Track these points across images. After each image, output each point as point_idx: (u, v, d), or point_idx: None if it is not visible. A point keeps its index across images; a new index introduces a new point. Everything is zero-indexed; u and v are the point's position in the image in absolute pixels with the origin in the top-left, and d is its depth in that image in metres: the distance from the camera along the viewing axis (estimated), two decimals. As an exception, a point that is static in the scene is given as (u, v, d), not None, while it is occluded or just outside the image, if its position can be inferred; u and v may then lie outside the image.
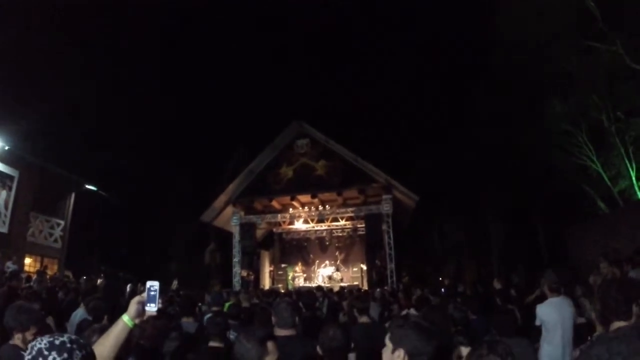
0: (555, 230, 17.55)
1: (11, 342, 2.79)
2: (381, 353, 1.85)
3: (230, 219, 18.82)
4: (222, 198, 18.64)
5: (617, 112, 14.34)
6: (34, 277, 10.93)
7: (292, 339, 3.07)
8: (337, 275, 18.72)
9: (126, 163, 24.00)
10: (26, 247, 16.07)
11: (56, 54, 22.63)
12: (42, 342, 1.30)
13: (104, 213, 22.38)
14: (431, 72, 24.93)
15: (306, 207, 19.10)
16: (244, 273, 18.30)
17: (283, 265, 20.90)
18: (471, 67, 20.35)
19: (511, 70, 15.39)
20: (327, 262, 20.09)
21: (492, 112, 17.35)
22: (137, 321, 1.76)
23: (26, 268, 15.13)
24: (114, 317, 1.91)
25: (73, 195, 18.74)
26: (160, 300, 1.81)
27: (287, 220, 20.00)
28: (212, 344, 3.57)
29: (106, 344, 1.69)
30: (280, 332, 3.04)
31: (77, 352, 1.31)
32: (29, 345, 1.31)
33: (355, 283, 18.22)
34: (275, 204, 19.33)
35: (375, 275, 16.83)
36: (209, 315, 4.83)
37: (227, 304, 6.03)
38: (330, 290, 11.90)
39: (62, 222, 18.20)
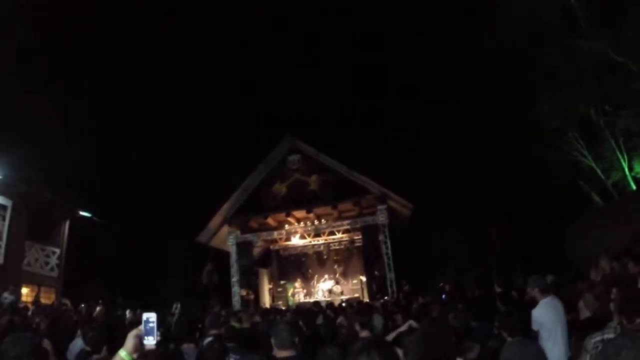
0: (552, 229, 17.60)
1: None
2: None
3: (227, 239, 18.75)
4: (217, 218, 18.59)
5: (605, 106, 14.52)
6: (32, 307, 10.86)
7: (292, 360, 3.06)
8: (337, 289, 18.62)
9: (121, 186, 23.95)
10: (22, 277, 15.87)
11: (46, 82, 22.67)
12: None
13: (100, 238, 22.22)
14: (419, 74, 25.09)
15: (302, 223, 19.06)
16: (244, 292, 18.17)
17: (282, 282, 20.77)
18: (461, 69, 20.58)
19: (500, 71, 15.61)
20: (326, 276, 19.99)
21: (482, 114, 17.51)
22: (134, 356, 1.67)
23: (23, 298, 14.96)
24: (114, 347, 1.88)
25: (67, 222, 18.62)
26: (158, 333, 1.72)
27: (284, 237, 19.95)
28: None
29: None
30: (280, 353, 3.04)
31: None
32: None
33: (356, 295, 18.17)
34: (270, 221, 19.27)
35: (376, 286, 16.78)
36: (208, 340, 4.80)
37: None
38: (331, 304, 11.83)
39: (58, 250, 18.00)
